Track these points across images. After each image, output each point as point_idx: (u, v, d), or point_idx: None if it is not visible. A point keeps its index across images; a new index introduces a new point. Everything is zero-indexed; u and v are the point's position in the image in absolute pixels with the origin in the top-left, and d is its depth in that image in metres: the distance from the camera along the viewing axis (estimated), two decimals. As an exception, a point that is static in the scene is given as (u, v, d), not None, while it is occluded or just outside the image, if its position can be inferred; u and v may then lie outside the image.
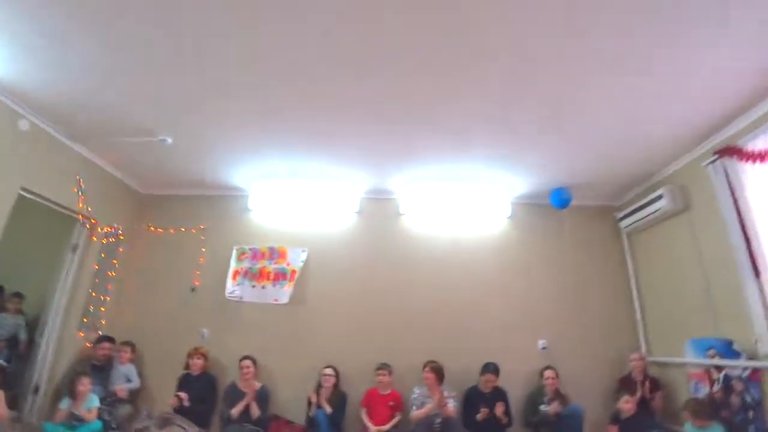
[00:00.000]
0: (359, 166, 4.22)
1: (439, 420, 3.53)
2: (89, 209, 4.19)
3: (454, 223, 4.75)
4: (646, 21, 2.32)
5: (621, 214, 4.58)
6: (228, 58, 2.73)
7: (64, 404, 3.56)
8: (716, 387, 3.33)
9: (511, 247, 4.69)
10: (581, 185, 4.45)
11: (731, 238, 3.22)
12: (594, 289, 4.57)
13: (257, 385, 3.92)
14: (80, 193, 4.08)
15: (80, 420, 3.51)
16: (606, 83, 2.88)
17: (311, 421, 3.64)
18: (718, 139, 3.37)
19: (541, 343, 4.36)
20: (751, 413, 3.03)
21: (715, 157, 3.31)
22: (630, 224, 4.42)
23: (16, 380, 4.17)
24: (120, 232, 4.61)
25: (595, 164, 4.06)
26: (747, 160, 3.01)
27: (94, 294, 4.31)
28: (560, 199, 4.40)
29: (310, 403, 3.77)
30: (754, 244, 3.06)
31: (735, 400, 3.16)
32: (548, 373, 3.92)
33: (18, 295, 4.40)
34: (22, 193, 3.55)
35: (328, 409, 3.62)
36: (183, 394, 3.84)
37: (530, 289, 4.54)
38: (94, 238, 4.31)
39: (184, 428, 3.70)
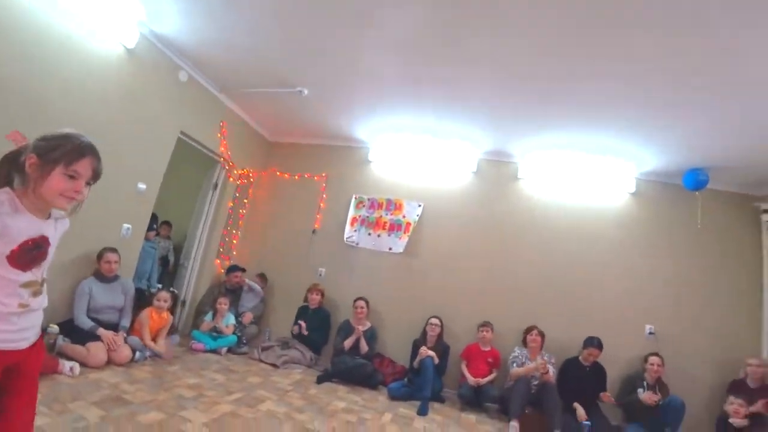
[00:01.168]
0: (484, 125, 4.13)
1: (536, 382, 3.66)
2: (229, 153, 4.69)
3: (573, 193, 4.59)
4: None
5: (765, 206, 4.10)
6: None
7: (209, 318, 4.25)
8: None
9: (631, 225, 4.46)
10: (720, 168, 4.01)
11: None
12: (718, 281, 4.22)
13: (368, 324, 4.30)
14: (222, 139, 4.56)
15: (220, 332, 4.20)
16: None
17: (416, 366, 3.92)
18: None
19: (648, 328, 4.21)
20: None
21: None
22: (775, 219, 3.96)
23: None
24: (251, 175, 5.12)
25: (742, 147, 3.61)
26: None
27: (229, 228, 4.93)
28: (696, 180, 4.01)
29: (415, 349, 4.04)
30: None
31: None
32: (654, 359, 3.81)
33: (168, 224, 5.17)
34: (181, 136, 4.08)
35: (436, 359, 3.88)
36: (302, 323, 4.34)
37: (647, 271, 4.33)
38: (231, 179, 4.85)
39: (301, 351, 4.27)
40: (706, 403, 3.90)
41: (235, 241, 5.06)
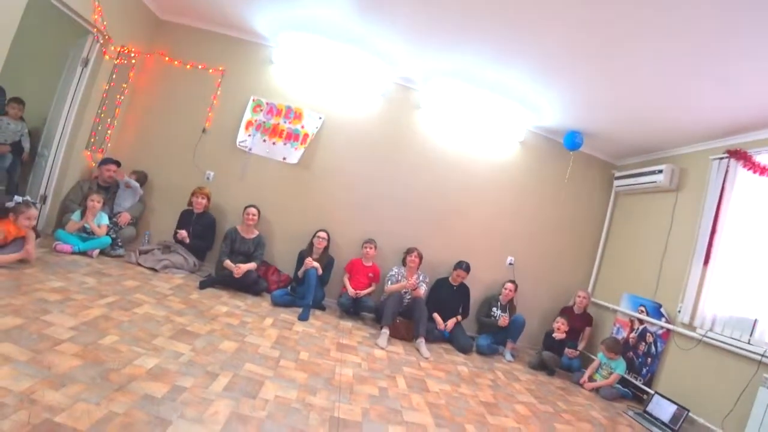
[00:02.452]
0: (395, 37, 3.80)
1: (408, 297, 4.15)
2: (104, 23, 3.91)
3: (467, 131, 4.87)
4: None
5: (618, 174, 4.92)
6: None
7: (76, 216, 3.80)
8: (633, 334, 4.11)
9: (513, 169, 4.97)
10: (594, 135, 4.62)
11: (701, 225, 3.66)
12: (570, 228, 5.09)
13: (256, 232, 4.25)
14: (96, 3, 3.76)
15: (91, 233, 3.82)
16: (666, 65, 2.93)
17: (301, 275, 4.11)
18: (734, 142, 3.61)
19: (509, 259, 4.96)
20: (649, 359, 3.84)
21: (725, 155, 3.55)
22: (623, 185, 4.79)
23: (18, 187, 4.28)
24: (133, 54, 4.38)
25: (618, 122, 4.18)
26: (750, 168, 3.28)
27: (102, 115, 4.26)
28: (573, 141, 4.58)
29: (300, 260, 4.19)
30: (716, 237, 3.52)
31: (642, 347, 3.95)
32: (509, 285, 4.56)
33: (18, 101, 4.20)
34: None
35: (320, 270, 4.09)
36: (183, 232, 4.15)
37: (517, 210, 4.98)
38: (107, 56, 4.10)
39: (183, 256, 4.14)
40: (542, 321, 4.89)
41: (110, 132, 4.41)
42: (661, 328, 3.81)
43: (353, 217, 4.66)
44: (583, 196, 5.10)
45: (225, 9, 4.15)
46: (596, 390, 3.77)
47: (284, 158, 4.56)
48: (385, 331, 3.75)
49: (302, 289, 3.99)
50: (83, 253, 3.70)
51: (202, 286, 3.78)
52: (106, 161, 4.19)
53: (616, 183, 4.93)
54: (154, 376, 2.01)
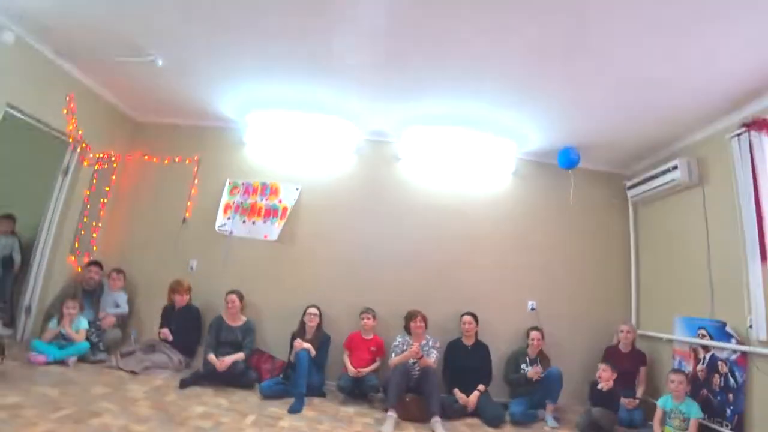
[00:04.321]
0: (357, 97, 3.88)
1: (418, 369, 3.55)
2: (80, 132, 4.06)
3: (454, 173, 4.58)
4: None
5: (630, 183, 4.38)
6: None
7: (53, 324, 3.64)
8: (701, 365, 3.29)
9: (511, 204, 4.55)
10: (592, 147, 4.23)
11: (743, 217, 3.04)
12: (592, 255, 4.47)
13: (243, 319, 3.94)
14: (70, 115, 3.93)
15: (69, 340, 3.61)
16: (642, 43, 2.64)
17: (293, 360, 3.63)
18: (748, 111, 3.10)
19: (530, 303, 4.32)
20: (731, 396, 2.99)
21: (743, 129, 3.04)
22: (638, 194, 4.23)
23: (11, 301, 4.28)
24: (113, 158, 4.50)
25: (611, 127, 3.82)
26: (777, 134, 2.76)
27: (86, 219, 4.28)
28: (568, 159, 4.17)
29: (293, 343, 3.75)
30: (766, 224, 2.88)
31: (717, 380, 3.13)
32: (534, 334, 3.90)
33: (9, 217, 4.41)
34: (9, 110, 3.42)
35: (313, 352, 3.63)
36: (165, 331, 3.91)
37: (527, 249, 4.45)
38: (86, 163, 4.21)
39: (168, 355, 3.82)
40: (584, 370, 4.08)
41: (95, 235, 4.41)
42: (734, 351, 3.01)
43: (346, 288, 4.28)
44: (597, 217, 4.55)
45: (193, 99, 4.30)
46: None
47: (266, 236, 4.37)
48: (391, 415, 3.13)
49: (295, 376, 3.49)
50: (61, 362, 3.45)
51: (182, 385, 3.37)
52: (89, 264, 4.15)
53: (630, 193, 4.36)
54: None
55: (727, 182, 3.23)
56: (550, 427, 3.39)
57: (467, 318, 3.91)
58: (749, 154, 2.99)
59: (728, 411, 2.99)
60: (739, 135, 3.09)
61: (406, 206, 4.48)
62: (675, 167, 3.61)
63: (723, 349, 3.11)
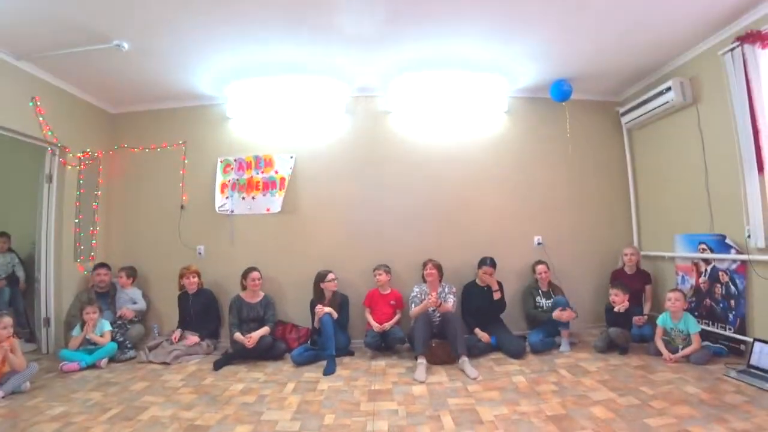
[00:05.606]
0: (338, 51, 3.63)
1: (438, 315, 3.69)
2: (55, 135, 3.87)
3: (448, 121, 4.50)
4: None
5: (623, 109, 4.37)
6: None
7: (76, 331, 3.67)
8: (703, 278, 3.48)
9: (508, 143, 4.52)
10: (584, 78, 4.16)
11: (739, 131, 3.09)
12: (591, 184, 4.54)
13: (261, 294, 3.98)
14: (41, 119, 3.72)
15: (95, 344, 3.66)
16: None
17: (317, 326, 3.73)
18: (741, 25, 3.05)
19: (537, 238, 4.43)
20: (732, 302, 3.21)
21: (736, 44, 3.00)
22: (632, 119, 4.23)
23: (27, 317, 4.27)
24: (96, 156, 4.33)
25: (601, 54, 3.72)
26: (771, 46, 2.74)
27: (82, 223, 4.19)
28: (560, 91, 4.12)
29: (313, 310, 3.81)
30: (762, 137, 2.94)
31: (718, 290, 3.33)
32: (540, 267, 4.04)
33: (3, 235, 4.31)
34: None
35: (335, 314, 3.72)
36: (177, 333, 3.93)
37: (528, 185, 4.48)
38: (68, 166, 4.05)
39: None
40: (595, 294, 4.30)
41: (95, 237, 4.33)
42: (734, 261, 3.19)
43: (357, 247, 4.30)
44: (593, 146, 4.56)
45: (168, 81, 4.06)
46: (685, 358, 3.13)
47: (268, 209, 4.33)
48: (422, 361, 3.29)
49: (321, 340, 3.63)
50: (93, 366, 3.53)
51: (216, 366, 3.49)
52: (95, 267, 4.12)
53: (624, 119, 4.37)
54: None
55: (721, 99, 3.25)
56: (566, 352, 3.60)
57: (487, 269, 3.92)
58: (743, 69, 2.98)
59: (730, 316, 3.22)
60: (732, 50, 3.06)
61: (405, 159, 4.42)
62: (668, 89, 3.60)
63: (723, 260, 3.29)
